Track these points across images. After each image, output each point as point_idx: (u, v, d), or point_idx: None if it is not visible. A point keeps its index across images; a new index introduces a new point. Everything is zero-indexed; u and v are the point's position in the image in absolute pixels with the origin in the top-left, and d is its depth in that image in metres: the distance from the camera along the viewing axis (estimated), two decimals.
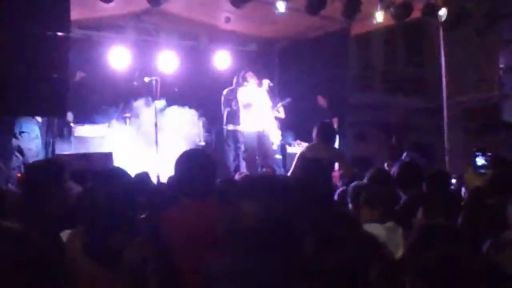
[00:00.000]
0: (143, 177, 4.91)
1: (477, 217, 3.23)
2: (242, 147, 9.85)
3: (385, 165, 7.83)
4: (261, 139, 9.54)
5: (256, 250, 1.67)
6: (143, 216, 3.57)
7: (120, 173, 3.05)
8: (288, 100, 10.60)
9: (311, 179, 5.31)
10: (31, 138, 7.95)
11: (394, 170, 5.13)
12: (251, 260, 1.65)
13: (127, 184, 2.93)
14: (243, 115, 9.67)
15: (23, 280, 1.41)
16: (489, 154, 3.64)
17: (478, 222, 3.17)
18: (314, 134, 7.36)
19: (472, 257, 2.04)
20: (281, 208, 1.72)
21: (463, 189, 4.90)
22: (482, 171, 3.62)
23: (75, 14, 7.45)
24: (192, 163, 3.24)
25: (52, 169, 3.53)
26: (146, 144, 9.92)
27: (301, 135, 11.03)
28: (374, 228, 3.29)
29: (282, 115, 10.77)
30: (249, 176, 6.88)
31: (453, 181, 6.18)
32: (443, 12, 9.71)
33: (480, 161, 3.65)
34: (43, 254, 1.49)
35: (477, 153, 3.68)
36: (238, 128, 9.90)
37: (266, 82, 10.12)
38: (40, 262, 1.46)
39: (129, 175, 3.15)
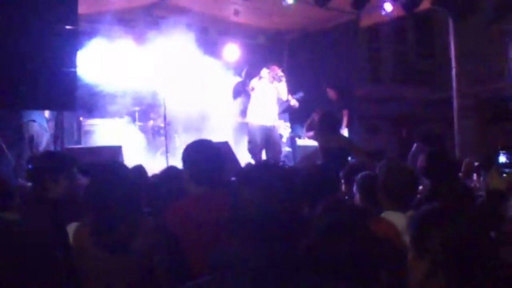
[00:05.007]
0: (140, 170, 4.88)
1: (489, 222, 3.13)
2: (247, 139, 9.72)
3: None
4: (267, 132, 9.39)
5: (258, 238, 1.66)
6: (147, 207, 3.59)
7: (122, 166, 3.12)
8: (301, 94, 10.46)
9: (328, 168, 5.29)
10: (41, 132, 7.97)
11: (420, 160, 5.04)
12: (253, 248, 1.65)
13: (130, 176, 2.98)
14: (251, 107, 9.57)
15: (21, 270, 1.41)
16: None
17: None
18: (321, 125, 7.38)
19: (482, 242, 1.98)
20: (283, 195, 1.71)
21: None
22: (506, 170, 3.41)
23: (83, 8, 7.48)
24: (203, 153, 3.25)
25: (58, 159, 3.57)
26: (156, 138, 9.95)
27: None
28: (396, 217, 3.22)
29: (296, 104, 10.53)
30: (251, 164, 6.87)
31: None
32: None
33: (502, 158, 3.48)
34: (40, 245, 1.49)
35: (500, 151, 3.50)
36: (246, 120, 9.81)
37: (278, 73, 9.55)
38: (37, 253, 1.46)
39: (128, 168, 3.21)
